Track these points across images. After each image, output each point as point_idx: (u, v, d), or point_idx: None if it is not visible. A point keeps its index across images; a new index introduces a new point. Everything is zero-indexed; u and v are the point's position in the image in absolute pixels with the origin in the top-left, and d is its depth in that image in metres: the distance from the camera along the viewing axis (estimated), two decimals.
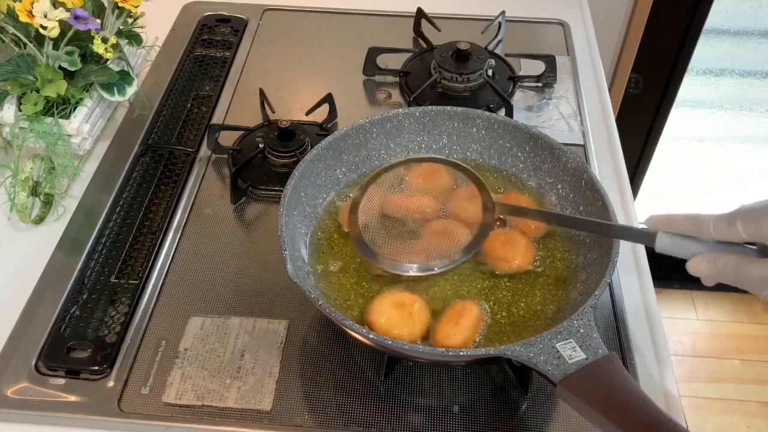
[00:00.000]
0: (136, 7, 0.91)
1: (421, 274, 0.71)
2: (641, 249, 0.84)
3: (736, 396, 1.79)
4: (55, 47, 0.87)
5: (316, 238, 0.76)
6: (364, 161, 0.82)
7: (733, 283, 0.55)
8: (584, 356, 0.58)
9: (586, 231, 0.72)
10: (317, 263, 0.73)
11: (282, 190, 0.72)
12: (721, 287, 0.57)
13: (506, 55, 1.07)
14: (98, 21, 0.87)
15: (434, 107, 0.82)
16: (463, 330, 0.66)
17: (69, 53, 0.87)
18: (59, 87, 0.86)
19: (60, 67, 0.87)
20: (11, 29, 0.85)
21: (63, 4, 0.85)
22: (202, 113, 0.99)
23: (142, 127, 0.96)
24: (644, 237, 0.61)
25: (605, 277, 0.64)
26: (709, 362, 1.85)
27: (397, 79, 1.05)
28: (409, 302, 0.68)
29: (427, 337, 0.67)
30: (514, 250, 0.73)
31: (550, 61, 1.06)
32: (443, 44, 1.03)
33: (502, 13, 1.13)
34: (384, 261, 0.71)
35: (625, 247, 0.83)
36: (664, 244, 0.59)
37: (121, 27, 0.94)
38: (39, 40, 0.86)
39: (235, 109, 1.01)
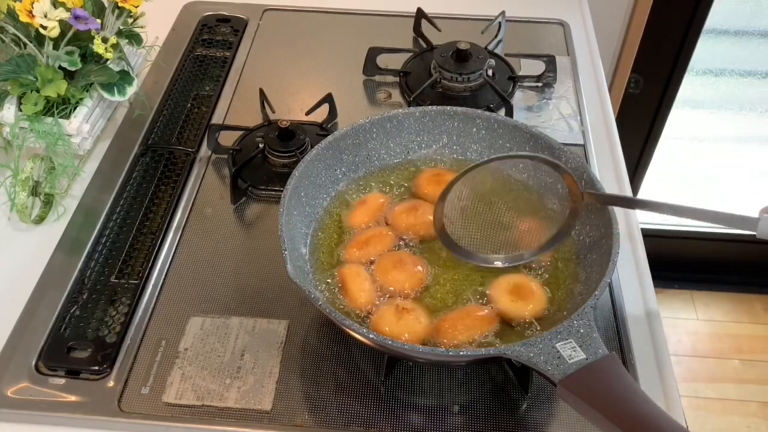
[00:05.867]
0: (136, 7, 0.91)
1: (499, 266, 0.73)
2: (641, 249, 0.84)
3: (736, 396, 1.79)
4: (55, 47, 0.87)
5: (316, 238, 0.76)
6: (364, 161, 0.82)
7: None
8: (584, 356, 0.58)
9: (686, 217, 0.68)
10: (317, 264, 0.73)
11: (282, 190, 0.72)
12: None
13: (506, 55, 1.07)
14: (98, 21, 0.86)
15: (434, 107, 0.82)
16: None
17: (69, 53, 0.87)
18: (59, 87, 0.86)
19: (60, 67, 0.87)
20: (11, 29, 0.85)
21: (63, 4, 0.85)
22: (202, 113, 0.99)
23: (142, 127, 0.96)
24: (747, 223, 0.62)
25: (605, 277, 0.64)
26: (709, 362, 1.85)
27: (397, 79, 1.05)
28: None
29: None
30: (526, 301, 0.70)
31: (550, 61, 1.06)
32: (443, 44, 1.03)
33: (502, 13, 1.13)
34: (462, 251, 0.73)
35: (625, 247, 0.83)
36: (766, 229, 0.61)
37: (121, 27, 0.94)
38: (39, 40, 0.86)
39: (235, 109, 1.01)
